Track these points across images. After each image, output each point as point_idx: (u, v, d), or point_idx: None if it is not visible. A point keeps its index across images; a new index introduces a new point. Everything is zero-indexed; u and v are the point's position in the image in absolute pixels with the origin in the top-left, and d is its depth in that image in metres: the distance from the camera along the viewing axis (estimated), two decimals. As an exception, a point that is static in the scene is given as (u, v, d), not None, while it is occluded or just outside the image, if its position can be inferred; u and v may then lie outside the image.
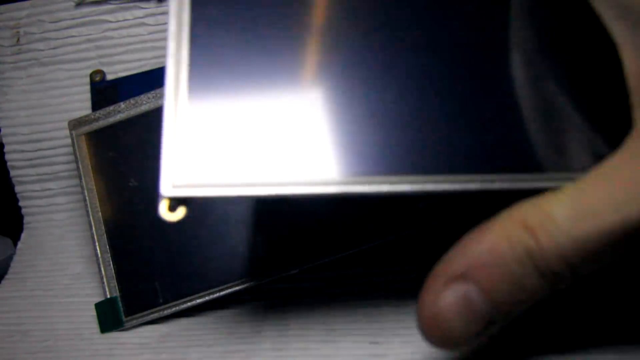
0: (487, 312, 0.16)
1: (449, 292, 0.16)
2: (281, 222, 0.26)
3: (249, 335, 0.26)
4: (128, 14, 0.32)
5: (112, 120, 0.29)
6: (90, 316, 0.28)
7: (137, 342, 0.27)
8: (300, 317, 0.26)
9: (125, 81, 0.32)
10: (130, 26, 0.32)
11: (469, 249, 0.16)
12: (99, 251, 0.28)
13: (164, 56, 0.32)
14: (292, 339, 0.26)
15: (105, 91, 0.31)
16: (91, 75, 0.32)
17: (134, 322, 0.28)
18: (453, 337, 0.16)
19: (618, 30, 0.16)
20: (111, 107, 0.29)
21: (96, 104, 0.31)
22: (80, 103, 0.32)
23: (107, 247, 0.28)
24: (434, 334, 0.17)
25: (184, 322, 0.28)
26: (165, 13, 0.32)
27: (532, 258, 0.16)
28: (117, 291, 0.28)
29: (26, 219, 0.34)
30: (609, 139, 0.17)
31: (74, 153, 0.29)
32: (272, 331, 0.26)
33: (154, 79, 0.31)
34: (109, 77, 0.32)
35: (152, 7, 0.32)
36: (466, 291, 0.16)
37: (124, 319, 0.28)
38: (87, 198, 0.28)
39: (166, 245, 0.28)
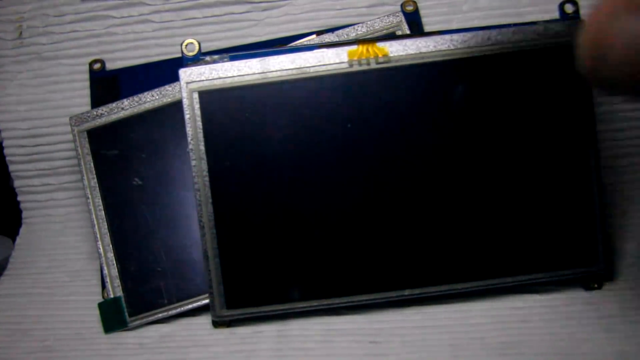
0: None
1: (632, 19, 0.13)
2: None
3: (249, 335, 0.26)
4: (133, 11, 0.32)
5: (114, 117, 0.28)
6: (90, 315, 0.28)
7: (137, 342, 0.27)
8: (300, 317, 0.26)
9: (126, 72, 0.31)
10: (135, 22, 0.32)
11: None
12: (102, 250, 0.28)
13: (167, 54, 0.32)
14: (292, 339, 0.26)
15: (105, 82, 0.31)
16: (90, 64, 0.31)
17: (138, 322, 0.27)
18: (602, 66, 0.14)
19: None
20: (114, 104, 0.28)
21: (96, 96, 0.31)
22: (81, 99, 0.32)
23: (111, 246, 0.28)
24: (590, 58, 0.14)
25: (184, 322, 0.27)
26: (171, 10, 0.32)
27: None
28: (121, 291, 0.28)
29: (25, 214, 0.33)
30: None
31: (76, 150, 0.28)
32: (272, 331, 0.26)
33: (156, 71, 0.31)
34: (111, 73, 0.32)
35: (158, 4, 0.32)
36: None
37: (128, 319, 0.27)
38: (89, 196, 0.28)
39: (171, 246, 0.28)
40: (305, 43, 0.29)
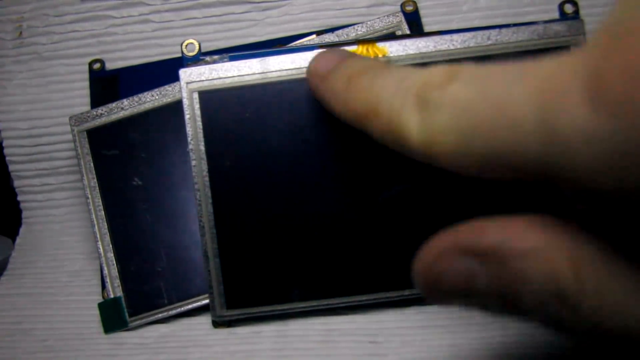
0: (485, 298, 0.14)
1: (455, 264, 0.14)
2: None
3: (249, 335, 0.26)
4: (133, 10, 0.32)
5: (114, 117, 0.28)
6: (90, 315, 0.28)
7: (137, 342, 0.27)
8: (300, 317, 0.26)
9: (126, 72, 0.31)
10: (135, 22, 0.32)
11: (491, 232, 0.15)
12: (102, 250, 0.28)
13: (167, 53, 0.32)
14: (292, 339, 0.26)
15: (105, 82, 0.31)
16: (90, 63, 0.32)
17: (138, 322, 0.28)
18: (439, 298, 0.15)
19: None
20: (114, 104, 0.28)
21: (95, 96, 0.31)
22: (81, 99, 0.32)
23: (111, 246, 0.28)
24: (423, 287, 0.15)
25: (184, 322, 0.28)
26: (171, 10, 0.32)
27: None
28: (121, 291, 0.28)
29: (25, 214, 0.33)
30: None
31: (76, 150, 0.28)
32: (272, 331, 0.26)
33: (156, 71, 0.31)
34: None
35: (157, 4, 0.32)
36: (474, 271, 0.14)
37: (128, 319, 0.28)
38: (89, 196, 0.28)
39: (170, 246, 0.28)
40: (305, 43, 0.29)
